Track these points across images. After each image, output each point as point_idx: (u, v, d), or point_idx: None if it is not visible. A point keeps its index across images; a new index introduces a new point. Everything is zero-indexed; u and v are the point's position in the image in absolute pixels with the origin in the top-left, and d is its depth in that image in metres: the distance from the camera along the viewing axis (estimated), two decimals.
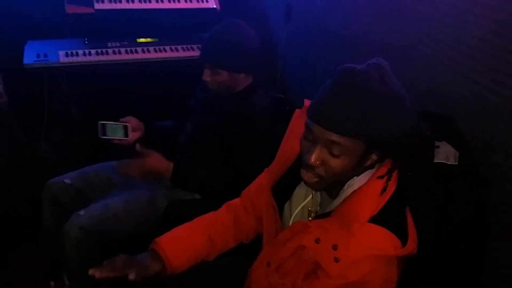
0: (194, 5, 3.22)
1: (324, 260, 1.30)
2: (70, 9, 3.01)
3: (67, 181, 2.21)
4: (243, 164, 2.01)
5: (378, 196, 1.31)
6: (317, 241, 1.32)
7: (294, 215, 1.51)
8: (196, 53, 3.12)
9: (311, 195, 1.50)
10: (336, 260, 1.27)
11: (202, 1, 3.24)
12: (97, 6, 3.03)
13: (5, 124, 2.55)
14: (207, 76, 2.08)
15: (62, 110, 3.29)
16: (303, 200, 1.51)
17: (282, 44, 3.11)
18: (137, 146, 2.04)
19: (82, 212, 2.02)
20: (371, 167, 1.35)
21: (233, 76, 2.09)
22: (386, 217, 1.29)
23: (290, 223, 1.51)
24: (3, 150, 2.50)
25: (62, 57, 2.90)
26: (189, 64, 3.09)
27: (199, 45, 3.15)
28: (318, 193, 1.49)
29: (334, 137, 1.23)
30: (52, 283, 2.36)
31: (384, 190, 1.31)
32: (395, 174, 1.35)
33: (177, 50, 3.12)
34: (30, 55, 2.86)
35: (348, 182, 1.36)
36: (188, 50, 3.14)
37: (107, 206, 2.06)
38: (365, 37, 2.40)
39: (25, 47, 2.93)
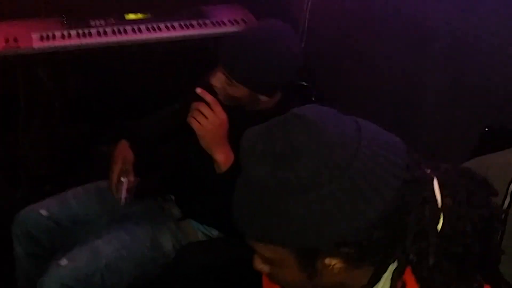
0: None
1: None
2: None
3: (44, 212, 1.75)
4: None
5: None
6: None
7: None
8: (196, 31, 2.67)
9: None
10: None
11: None
12: None
13: None
14: (218, 81, 1.57)
15: (41, 102, 2.92)
16: None
17: (304, 18, 2.58)
18: None
19: (63, 262, 1.56)
20: None
21: (254, 96, 1.60)
22: None
23: None
24: None
25: (36, 42, 2.50)
26: (188, 45, 2.74)
27: (199, 21, 2.70)
28: None
29: None
30: None
31: None
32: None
33: (173, 28, 2.66)
34: None
35: None
36: (187, 27, 2.68)
37: (97, 251, 1.61)
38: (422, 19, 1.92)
39: None
